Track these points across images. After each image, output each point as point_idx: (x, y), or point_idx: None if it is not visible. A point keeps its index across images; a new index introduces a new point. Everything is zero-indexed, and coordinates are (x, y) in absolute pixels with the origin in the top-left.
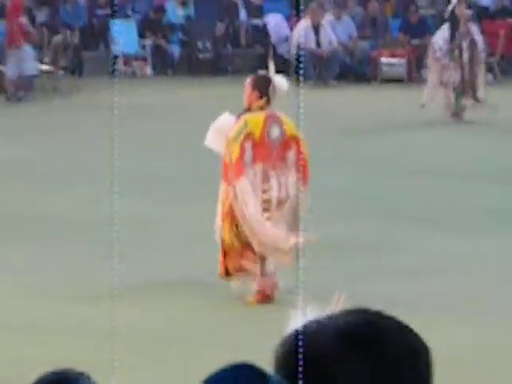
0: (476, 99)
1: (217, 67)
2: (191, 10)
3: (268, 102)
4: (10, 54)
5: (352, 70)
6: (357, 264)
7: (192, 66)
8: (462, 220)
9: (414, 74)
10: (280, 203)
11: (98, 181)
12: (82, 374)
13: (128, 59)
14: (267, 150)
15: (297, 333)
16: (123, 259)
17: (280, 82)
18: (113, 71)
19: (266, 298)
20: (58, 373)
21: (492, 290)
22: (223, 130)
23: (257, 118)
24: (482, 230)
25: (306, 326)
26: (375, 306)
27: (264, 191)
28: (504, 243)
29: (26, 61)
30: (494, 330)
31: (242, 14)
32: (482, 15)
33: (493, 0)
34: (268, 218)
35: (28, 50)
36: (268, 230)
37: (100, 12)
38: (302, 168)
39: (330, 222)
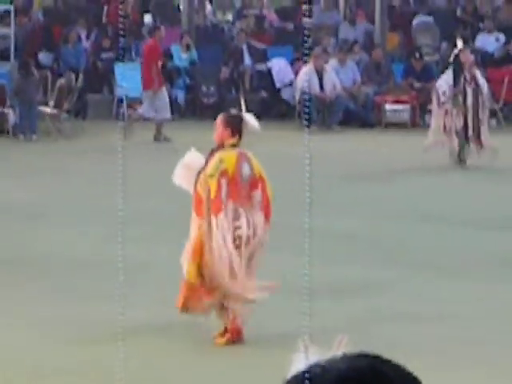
0: (480, 145)
1: (221, 111)
2: (195, 55)
3: (240, 140)
4: (147, 95)
5: (356, 115)
6: (358, 307)
7: (196, 110)
8: (465, 265)
9: (418, 119)
10: (248, 241)
11: (103, 222)
12: None
13: (132, 103)
14: (238, 187)
15: (301, 376)
16: (126, 301)
17: (251, 120)
18: (117, 114)
19: (237, 335)
20: None
21: (494, 336)
22: (191, 167)
23: (230, 156)
24: (484, 275)
25: (308, 370)
26: (376, 349)
27: (235, 228)
28: (506, 289)
29: (161, 104)
30: (496, 375)
31: (247, 59)
32: (486, 62)
33: (498, 47)
34: (239, 255)
35: (164, 94)
36: (239, 278)
37: (105, 55)
38: (265, 208)
39: (333, 265)
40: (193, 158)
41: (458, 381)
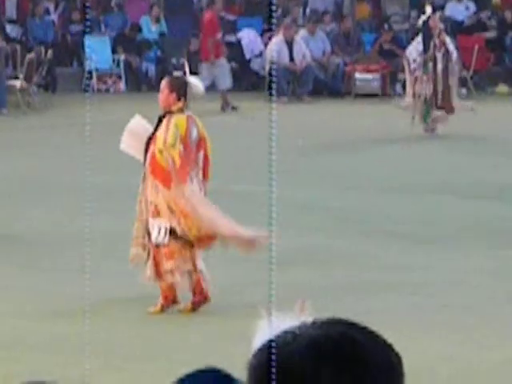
0: (450, 110)
1: None
2: (165, 27)
3: (185, 103)
4: (205, 67)
5: (326, 85)
6: (332, 277)
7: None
8: (436, 233)
9: (388, 89)
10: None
11: (71, 196)
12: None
13: (102, 76)
14: (188, 151)
15: (270, 344)
16: (96, 274)
17: (196, 83)
18: (86, 87)
19: (203, 300)
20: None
21: (465, 302)
22: (139, 134)
23: (181, 120)
24: (456, 242)
25: (279, 337)
26: (349, 317)
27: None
28: (477, 255)
29: (220, 75)
30: (469, 342)
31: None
32: (456, 30)
33: (468, 15)
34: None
35: (223, 64)
36: (229, 223)
37: (73, 28)
38: (205, 168)
39: (304, 235)
40: (138, 124)
41: (432, 347)
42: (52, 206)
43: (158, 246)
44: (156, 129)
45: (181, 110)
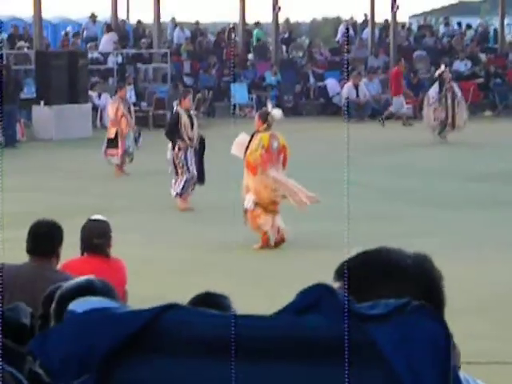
0: (456, 128)
1: (296, 112)
2: (280, 77)
3: (268, 126)
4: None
5: (379, 112)
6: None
7: (281, 111)
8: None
9: (417, 113)
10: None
11: None
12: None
13: (242, 107)
14: (271, 154)
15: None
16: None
17: (275, 113)
18: (233, 115)
19: (280, 241)
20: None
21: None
22: (242, 143)
23: (265, 136)
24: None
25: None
26: None
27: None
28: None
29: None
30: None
31: (311, 79)
32: (459, 78)
33: (467, 68)
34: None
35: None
36: (299, 189)
37: (225, 79)
38: (284, 162)
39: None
40: (243, 138)
41: None
42: None
43: (246, 211)
44: (250, 140)
45: (265, 130)
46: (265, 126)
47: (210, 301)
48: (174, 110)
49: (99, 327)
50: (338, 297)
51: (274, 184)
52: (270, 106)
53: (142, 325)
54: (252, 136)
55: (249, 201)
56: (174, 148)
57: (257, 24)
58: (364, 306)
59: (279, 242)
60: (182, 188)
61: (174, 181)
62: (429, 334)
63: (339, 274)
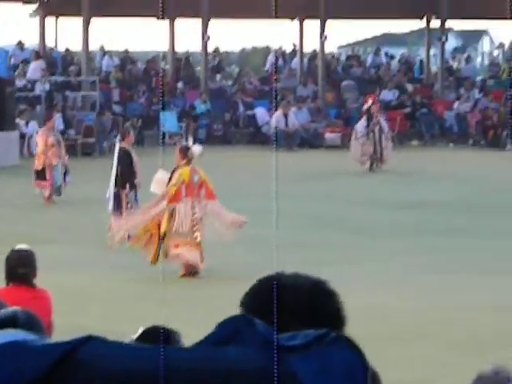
0: (383, 162)
1: (225, 140)
2: (209, 105)
3: (189, 161)
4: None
5: (307, 140)
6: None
7: (210, 140)
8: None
9: (345, 142)
10: (201, 219)
11: None
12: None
13: (172, 135)
14: (192, 189)
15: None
16: None
17: (195, 149)
18: (163, 142)
19: (193, 271)
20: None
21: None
22: (161, 180)
23: (186, 171)
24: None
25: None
26: None
27: (193, 214)
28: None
29: None
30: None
31: (241, 108)
32: (387, 107)
33: (394, 98)
34: (198, 229)
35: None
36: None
37: (154, 107)
38: (209, 195)
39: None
40: (161, 175)
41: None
42: None
43: (166, 239)
44: (172, 175)
45: (186, 165)
46: (185, 160)
47: (159, 335)
48: (120, 148)
49: (16, 359)
50: (257, 328)
51: (190, 214)
52: (190, 141)
53: (60, 357)
54: (173, 172)
55: (169, 230)
56: (124, 187)
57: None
58: (284, 337)
59: (192, 271)
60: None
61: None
62: (346, 364)
63: (241, 302)
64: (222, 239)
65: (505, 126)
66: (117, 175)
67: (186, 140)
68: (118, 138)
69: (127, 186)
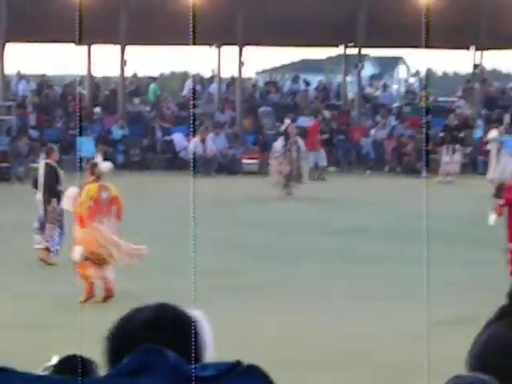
0: (300, 181)
1: (143, 166)
2: (127, 131)
3: (97, 177)
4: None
5: (225, 166)
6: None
7: (128, 165)
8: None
9: (263, 169)
10: (112, 238)
11: None
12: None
13: (88, 161)
14: (100, 206)
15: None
16: None
17: (103, 165)
18: (80, 168)
19: (107, 296)
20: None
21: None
22: (72, 197)
23: (94, 187)
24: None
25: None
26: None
27: (105, 232)
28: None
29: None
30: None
31: (159, 133)
32: (304, 133)
33: (312, 124)
34: (111, 248)
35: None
36: (123, 245)
37: (71, 132)
38: (118, 213)
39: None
40: (71, 191)
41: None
42: None
43: (76, 262)
44: (81, 192)
45: (94, 181)
46: (93, 177)
47: (75, 365)
48: (46, 163)
49: None
50: (169, 359)
51: (100, 237)
52: (99, 158)
53: None
54: (82, 188)
55: (77, 253)
56: (49, 202)
57: (153, 78)
58: (197, 367)
59: (107, 296)
60: (58, 243)
61: (40, 236)
62: None
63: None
64: (125, 263)
65: (420, 153)
66: (44, 189)
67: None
68: (43, 155)
69: (54, 200)
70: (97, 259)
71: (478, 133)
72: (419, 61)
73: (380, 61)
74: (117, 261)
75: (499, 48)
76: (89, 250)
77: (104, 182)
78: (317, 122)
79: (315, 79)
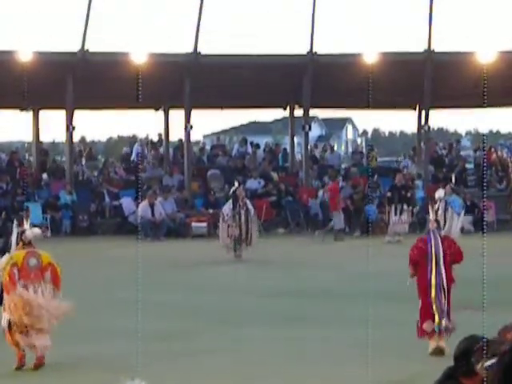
0: (249, 244)
1: (92, 231)
2: (75, 196)
3: (24, 244)
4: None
5: (174, 230)
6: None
7: (76, 231)
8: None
9: (212, 232)
10: (47, 303)
11: None
12: None
13: (35, 227)
14: (27, 272)
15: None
16: None
17: (28, 232)
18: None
19: (38, 364)
20: None
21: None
22: (1, 264)
23: (19, 254)
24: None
25: None
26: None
27: (35, 298)
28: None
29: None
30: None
31: (106, 198)
32: (253, 196)
33: (260, 186)
34: (44, 314)
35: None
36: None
37: (18, 198)
38: (55, 281)
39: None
40: (3, 259)
41: None
42: None
43: (4, 330)
44: None
45: (22, 248)
46: (20, 244)
47: None
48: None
49: None
50: None
51: (25, 304)
52: (26, 224)
53: None
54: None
55: (4, 319)
56: None
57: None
58: None
59: (37, 364)
60: None
61: None
62: None
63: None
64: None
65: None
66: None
67: (51, 230)
68: (15, 222)
69: None
70: (21, 327)
71: (419, 193)
72: (365, 121)
73: (327, 122)
74: (47, 327)
75: (443, 107)
76: (13, 318)
77: (34, 249)
78: (336, 183)
79: (263, 141)
